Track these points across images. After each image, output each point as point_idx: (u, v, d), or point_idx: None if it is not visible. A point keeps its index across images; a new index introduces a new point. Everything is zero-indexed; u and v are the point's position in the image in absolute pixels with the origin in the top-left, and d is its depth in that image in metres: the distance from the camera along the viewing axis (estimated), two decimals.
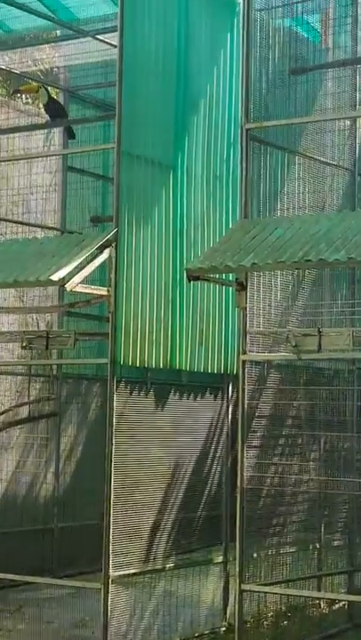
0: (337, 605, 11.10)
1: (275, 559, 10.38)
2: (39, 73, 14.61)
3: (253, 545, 9.78)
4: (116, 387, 9.87)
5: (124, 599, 9.92)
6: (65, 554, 12.84)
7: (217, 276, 9.67)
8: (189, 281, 9.60)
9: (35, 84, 12.68)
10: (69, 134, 12.95)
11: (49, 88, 13.05)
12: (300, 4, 10.69)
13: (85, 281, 9.63)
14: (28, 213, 13.72)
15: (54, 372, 13.17)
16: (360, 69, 11.08)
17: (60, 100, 14.02)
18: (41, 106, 12.97)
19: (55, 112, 12.39)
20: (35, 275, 9.63)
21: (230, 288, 10.01)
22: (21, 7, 12.19)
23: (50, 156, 13.68)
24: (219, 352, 11.00)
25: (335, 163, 10.99)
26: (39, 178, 13.81)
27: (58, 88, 14.79)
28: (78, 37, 12.99)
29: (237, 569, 9.38)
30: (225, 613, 11.01)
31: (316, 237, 8.92)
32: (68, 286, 9.50)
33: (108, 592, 9.64)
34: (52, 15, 12.50)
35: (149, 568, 10.33)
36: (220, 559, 11.16)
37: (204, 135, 10.97)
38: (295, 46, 10.58)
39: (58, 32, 13.58)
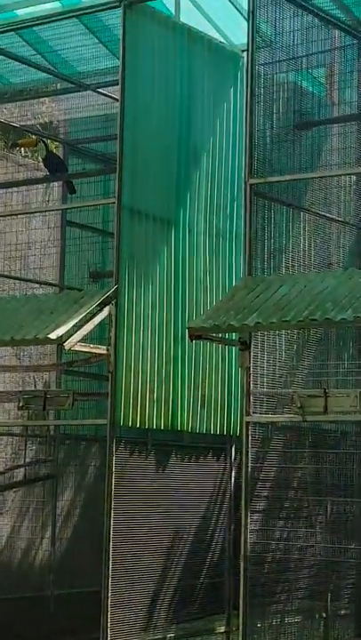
0: None
1: (279, 628, 10.29)
2: (39, 126, 14.72)
3: (257, 614, 9.69)
4: (116, 447, 9.85)
5: None
6: (62, 622, 12.72)
7: (220, 335, 9.67)
8: (191, 340, 9.61)
9: (34, 137, 12.78)
10: (70, 189, 13.01)
11: (48, 141, 13.15)
12: (304, 58, 10.78)
13: (84, 339, 9.65)
14: (26, 269, 13.76)
15: (52, 433, 13.13)
16: None
17: (60, 153, 14.12)
18: (40, 159, 13.07)
19: (54, 166, 12.47)
20: (32, 332, 9.65)
21: (234, 347, 10.01)
22: (22, 60, 12.33)
23: (49, 211, 13.74)
24: (221, 413, 10.99)
25: (341, 219, 11.03)
26: (38, 233, 13.86)
27: (58, 141, 14.91)
28: (79, 91, 13.11)
29: (241, 639, 9.30)
30: None
31: (321, 296, 8.94)
32: (67, 345, 9.52)
33: None
34: (53, 68, 12.62)
35: (150, 637, 10.24)
36: (223, 629, 11.08)
37: (207, 190, 11.03)
38: (300, 101, 10.66)
39: (58, 85, 13.69)
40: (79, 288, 12.16)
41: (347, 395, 9.11)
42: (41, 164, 13.05)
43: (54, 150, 14.68)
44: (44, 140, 12.76)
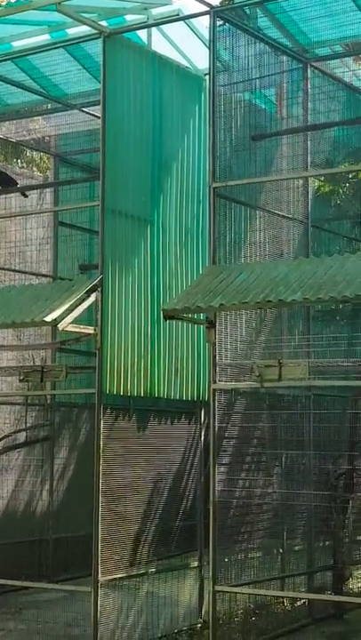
0: (298, 603, 11.06)
1: (243, 563, 10.35)
2: (32, 141, 14.67)
3: (225, 550, 9.74)
4: (103, 413, 9.85)
5: (112, 600, 9.85)
6: (59, 561, 12.74)
7: (190, 315, 9.69)
8: (165, 320, 9.63)
9: None
10: (23, 194, 13.09)
11: None
12: (257, 80, 10.78)
13: (75, 321, 9.64)
14: (23, 263, 13.72)
15: (48, 402, 13.12)
16: (310, 136, 11.18)
17: (51, 164, 14.11)
18: (35, 169, 13.03)
19: (4, 181, 12.57)
20: (30, 316, 9.64)
21: (201, 326, 10.03)
22: (17, 84, 12.27)
23: (42, 212, 13.71)
24: (192, 382, 11.00)
25: (291, 216, 11.06)
26: (34, 232, 13.82)
27: (49, 154, 14.85)
28: (66, 110, 13.06)
29: (211, 572, 9.35)
30: (200, 611, 10.93)
31: (275, 281, 8.96)
32: (60, 326, 9.51)
33: (97, 594, 9.58)
34: (44, 91, 12.57)
35: (134, 572, 10.27)
36: (196, 564, 11.10)
37: (177, 193, 11.01)
38: (254, 116, 10.67)
39: (48, 105, 13.63)
40: (70, 278, 12.15)
41: (297, 364, 9.15)
42: (35, 172, 13.00)
43: (45, 161, 14.65)
44: None
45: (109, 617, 9.77)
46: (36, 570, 12.16)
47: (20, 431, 13.07)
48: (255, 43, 10.44)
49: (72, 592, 11.21)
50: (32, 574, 11.61)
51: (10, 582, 11.17)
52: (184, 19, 11.12)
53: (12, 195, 13.31)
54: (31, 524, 13.05)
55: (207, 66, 10.16)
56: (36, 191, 13.92)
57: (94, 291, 9.87)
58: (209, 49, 9.88)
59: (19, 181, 14.00)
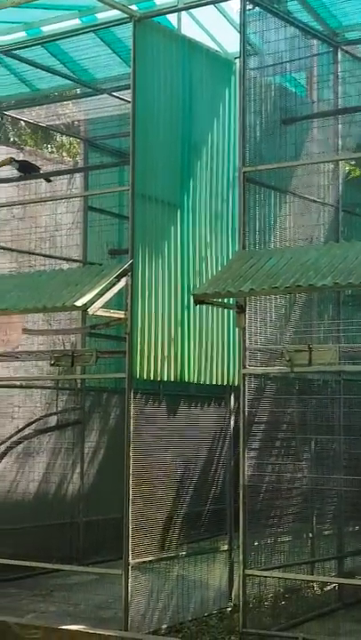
0: (328, 587, 11.03)
1: (273, 547, 10.33)
2: (62, 126, 14.66)
3: (254, 534, 9.73)
4: (133, 398, 9.85)
5: (143, 583, 9.88)
6: (90, 544, 12.79)
7: (220, 300, 9.66)
8: (195, 305, 9.61)
9: (6, 158, 12.81)
10: (47, 180, 13.16)
11: (18, 155, 13.32)
12: (288, 64, 10.70)
13: (105, 306, 9.64)
14: (54, 248, 13.73)
15: (78, 386, 13.15)
16: (341, 119, 11.10)
17: (81, 149, 14.09)
18: (64, 154, 13.01)
19: (26, 169, 12.57)
20: (61, 301, 9.65)
21: (231, 310, 10.00)
22: (47, 69, 12.24)
23: (72, 197, 13.70)
24: (222, 366, 10.97)
25: (321, 200, 10.98)
26: (63, 217, 13.83)
27: (79, 138, 14.84)
28: (96, 94, 13.03)
29: (241, 556, 9.37)
30: (230, 595, 10.95)
31: (305, 266, 8.92)
32: (91, 310, 9.52)
33: (128, 577, 9.61)
34: (74, 76, 12.54)
35: (164, 555, 10.28)
36: (226, 547, 11.10)
37: (207, 178, 10.96)
38: (285, 100, 10.59)
39: (78, 90, 13.61)
40: (99, 263, 12.14)
41: (328, 349, 9.12)
42: (65, 157, 12.99)
43: (75, 145, 14.64)
44: (14, 158, 12.79)
45: (140, 600, 9.80)
46: (67, 552, 12.22)
47: (50, 415, 13.12)
48: (285, 26, 10.36)
49: (102, 575, 11.26)
50: (63, 557, 11.66)
51: (41, 565, 11.24)
52: (214, 2, 11.05)
53: (40, 180, 13.30)
54: (62, 507, 13.10)
55: (237, 49, 10.12)
56: (65, 176, 13.91)
57: (124, 275, 9.86)
58: (239, 32, 9.84)
59: (49, 167, 14.01)
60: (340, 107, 11.10)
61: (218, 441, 11.42)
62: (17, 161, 12.60)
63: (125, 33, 10.83)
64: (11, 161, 12.57)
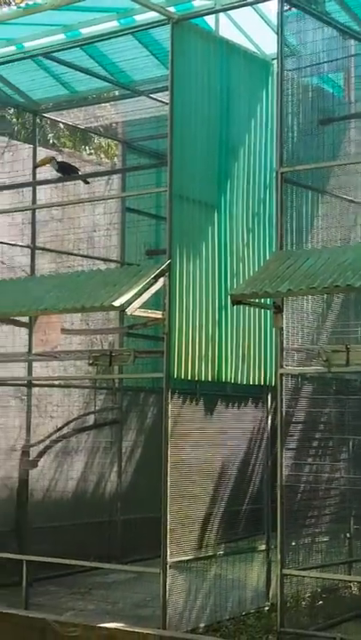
0: None
1: (311, 547, 10.31)
2: (100, 128, 14.72)
3: (292, 534, 9.72)
4: (171, 397, 9.88)
5: (181, 582, 9.91)
6: (128, 543, 12.84)
7: (257, 300, 9.66)
8: (233, 305, 9.62)
9: (47, 157, 12.87)
10: (85, 182, 13.21)
11: (58, 157, 13.30)
12: (325, 65, 10.68)
13: (143, 306, 9.68)
14: (92, 248, 13.80)
15: (116, 385, 13.21)
16: None
17: (118, 150, 14.13)
18: (102, 156, 13.06)
19: (66, 170, 12.60)
20: (99, 301, 9.70)
21: (269, 311, 9.99)
22: (86, 71, 12.31)
23: (110, 198, 13.77)
24: (259, 366, 10.98)
25: (359, 201, 10.95)
26: (101, 218, 13.90)
27: (117, 140, 14.90)
28: (134, 96, 13.07)
29: (278, 555, 9.36)
30: (268, 594, 10.94)
31: (343, 266, 8.90)
32: (129, 311, 9.56)
33: (166, 576, 9.65)
34: (111, 77, 12.60)
35: (202, 555, 10.31)
36: (263, 547, 11.10)
37: (244, 179, 10.98)
38: (322, 100, 10.57)
39: (116, 92, 13.66)
40: (137, 264, 12.19)
41: None
42: (103, 159, 13.04)
43: (113, 147, 14.69)
44: (55, 157, 12.86)
45: (178, 599, 9.83)
46: (105, 551, 12.26)
47: (89, 414, 13.20)
48: (323, 27, 10.34)
49: (140, 573, 11.30)
50: (101, 555, 11.71)
51: (79, 563, 11.31)
52: (252, 4, 11.05)
53: (78, 181, 13.38)
54: (100, 506, 13.17)
55: (275, 50, 10.10)
56: (103, 178, 13.97)
57: (162, 276, 9.89)
58: (277, 33, 9.82)
59: (87, 168, 14.08)
60: None
61: (255, 441, 11.42)
62: (57, 162, 12.68)
63: (163, 35, 10.87)
64: (52, 160, 12.65)
